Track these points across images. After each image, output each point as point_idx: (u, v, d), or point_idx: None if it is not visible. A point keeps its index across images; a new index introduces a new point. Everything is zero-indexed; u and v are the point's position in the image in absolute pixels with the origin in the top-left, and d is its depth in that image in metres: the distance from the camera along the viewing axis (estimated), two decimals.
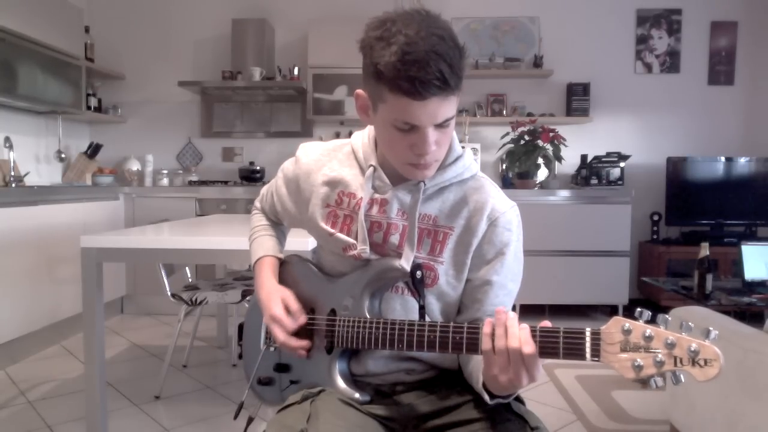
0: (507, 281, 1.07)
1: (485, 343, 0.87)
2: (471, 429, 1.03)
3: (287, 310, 1.09)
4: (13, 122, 3.76)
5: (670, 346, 0.78)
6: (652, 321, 0.81)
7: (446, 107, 0.91)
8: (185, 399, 2.58)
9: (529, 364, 0.84)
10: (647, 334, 0.79)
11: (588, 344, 0.83)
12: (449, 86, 0.89)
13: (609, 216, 3.93)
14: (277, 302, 1.10)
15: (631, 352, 0.80)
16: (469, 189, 1.08)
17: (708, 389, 1.73)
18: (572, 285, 3.94)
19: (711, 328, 0.76)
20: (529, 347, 0.84)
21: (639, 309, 0.81)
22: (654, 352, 0.79)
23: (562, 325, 0.86)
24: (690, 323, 0.78)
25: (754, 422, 1.52)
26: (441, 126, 0.94)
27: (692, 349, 0.76)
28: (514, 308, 1.14)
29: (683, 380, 0.77)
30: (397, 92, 0.89)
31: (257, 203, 1.36)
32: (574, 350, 0.84)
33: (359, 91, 0.99)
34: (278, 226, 1.33)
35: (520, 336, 0.84)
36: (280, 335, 1.07)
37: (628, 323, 0.81)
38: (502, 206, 1.06)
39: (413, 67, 0.86)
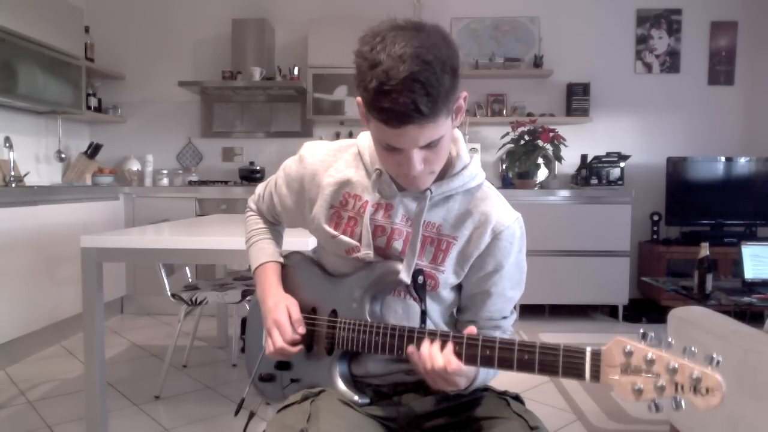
0: (506, 290, 1.08)
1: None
2: (471, 429, 1.03)
3: (290, 318, 1.10)
4: (13, 122, 3.76)
5: (672, 371, 0.75)
6: (654, 341, 0.78)
7: (427, 132, 0.90)
8: (185, 399, 2.58)
9: (458, 374, 0.92)
10: (649, 358, 0.77)
11: (588, 364, 0.82)
12: (424, 115, 0.87)
13: (609, 216, 3.92)
14: (283, 310, 1.10)
15: (631, 375, 0.78)
16: (475, 200, 1.07)
17: None
18: (572, 285, 3.93)
19: (714, 355, 0.74)
20: (451, 365, 0.91)
21: (642, 330, 0.79)
22: (655, 377, 0.77)
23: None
24: (693, 348, 0.76)
25: (754, 422, 1.52)
26: (427, 146, 0.93)
27: (694, 376, 0.74)
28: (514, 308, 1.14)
29: (684, 407, 0.75)
30: (376, 118, 0.90)
31: (251, 204, 1.33)
32: (573, 369, 0.83)
33: (359, 99, 0.99)
34: (275, 226, 1.31)
35: (443, 358, 0.92)
36: (278, 341, 1.07)
37: (629, 345, 0.79)
38: (506, 219, 1.05)
39: (387, 99, 0.85)
